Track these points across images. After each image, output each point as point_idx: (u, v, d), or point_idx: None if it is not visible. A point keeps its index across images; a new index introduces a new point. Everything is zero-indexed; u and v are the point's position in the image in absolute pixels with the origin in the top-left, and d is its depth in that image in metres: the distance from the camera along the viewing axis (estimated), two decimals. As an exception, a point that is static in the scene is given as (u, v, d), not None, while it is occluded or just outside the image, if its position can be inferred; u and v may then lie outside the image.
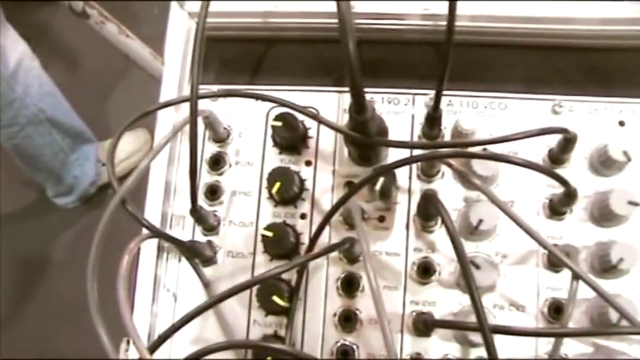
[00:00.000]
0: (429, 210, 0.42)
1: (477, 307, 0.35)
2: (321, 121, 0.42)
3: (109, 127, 1.50)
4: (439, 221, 0.45)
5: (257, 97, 0.44)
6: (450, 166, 0.42)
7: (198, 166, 0.47)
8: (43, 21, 1.62)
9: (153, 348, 0.36)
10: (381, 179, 0.43)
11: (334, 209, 0.42)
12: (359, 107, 0.38)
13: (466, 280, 0.35)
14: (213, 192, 0.48)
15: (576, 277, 0.40)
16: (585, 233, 0.45)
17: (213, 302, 0.36)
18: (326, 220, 0.43)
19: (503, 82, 0.48)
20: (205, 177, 0.48)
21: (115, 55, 1.16)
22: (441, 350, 0.44)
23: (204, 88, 0.48)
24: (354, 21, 0.35)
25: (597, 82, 0.48)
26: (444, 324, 0.42)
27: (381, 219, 0.46)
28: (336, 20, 0.48)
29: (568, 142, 0.43)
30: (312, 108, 0.47)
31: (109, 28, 0.99)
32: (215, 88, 0.49)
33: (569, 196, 0.42)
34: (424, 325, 0.42)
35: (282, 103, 0.43)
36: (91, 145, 1.46)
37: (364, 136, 0.40)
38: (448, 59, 0.39)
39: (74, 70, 1.60)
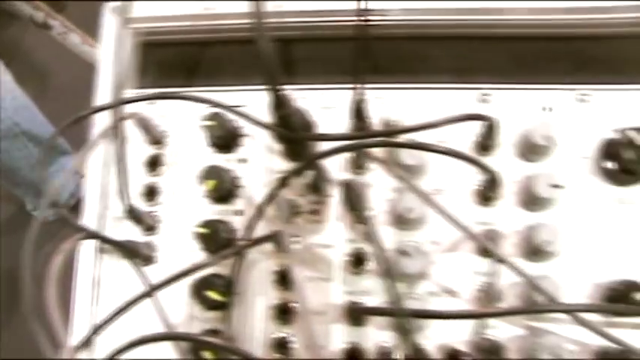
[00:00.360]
0: (349, 200, 0.43)
1: (392, 292, 0.36)
2: (245, 117, 0.43)
3: (84, 139, 1.50)
4: (370, 212, 0.46)
5: (181, 98, 0.45)
6: (370, 156, 0.43)
7: (135, 168, 0.48)
8: (15, 37, 1.63)
9: (78, 347, 0.37)
10: (310, 172, 0.44)
11: (264, 204, 0.43)
12: (276, 103, 0.39)
13: (378, 263, 0.35)
14: (152, 193, 0.48)
15: (498, 260, 0.41)
16: (515, 218, 0.46)
17: (136, 299, 0.37)
18: (256, 215, 0.44)
19: (431, 73, 0.49)
20: (143, 178, 0.49)
21: (86, 67, 1.17)
22: (377, 339, 0.44)
23: (141, 92, 0.49)
24: (265, 19, 0.36)
25: (524, 70, 0.49)
26: (367, 311, 0.42)
27: (315, 212, 0.47)
28: (266, 20, 0.49)
29: (490, 128, 0.44)
30: (242, 106, 0.48)
31: (72, 38, 1.00)
32: (153, 91, 0.49)
33: (493, 181, 0.43)
34: (352, 314, 0.42)
35: (206, 102, 0.44)
36: (67, 157, 1.47)
37: (286, 131, 0.40)
38: (362, 53, 0.40)
39: (47, 83, 1.61)
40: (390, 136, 0.42)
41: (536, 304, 0.41)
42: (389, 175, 0.45)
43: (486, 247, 0.40)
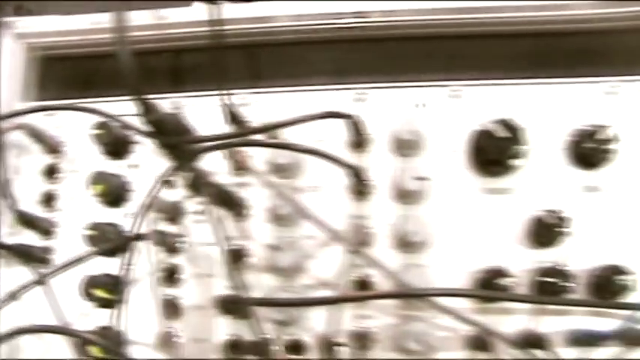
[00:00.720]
0: (218, 199, 0.45)
1: (236, 284, 0.38)
2: (126, 125, 0.46)
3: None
4: (249, 210, 0.48)
5: (63, 108, 0.48)
6: (240, 158, 0.45)
7: (33, 177, 0.51)
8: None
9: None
10: (188, 174, 0.47)
11: (144, 205, 0.46)
12: (143, 110, 0.41)
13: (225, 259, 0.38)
14: (49, 200, 0.51)
15: (354, 252, 0.43)
16: (389, 212, 0.48)
17: (25, 286, 0.40)
18: (137, 214, 0.46)
19: (310, 76, 0.51)
20: (41, 186, 0.52)
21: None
22: (259, 330, 0.46)
23: (40, 105, 0.52)
24: (126, 32, 0.38)
25: (398, 69, 0.51)
26: (238, 301, 0.44)
27: (200, 212, 0.49)
28: (154, 31, 0.52)
29: (354, 125, 0.46)
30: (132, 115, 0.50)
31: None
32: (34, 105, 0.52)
33: (357, 176, 0.45)
34: (224, 306, 0.45)
35: (89, 112, 0.47)
36: None
37: (158, 136, 0.43)
38: (219, 60, 0.42)
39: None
40: (251, 135, 0.44)
41: (396, 290, 0.43)
42: (255, 176, 0.48)
43: (341, 240, 0.42)
